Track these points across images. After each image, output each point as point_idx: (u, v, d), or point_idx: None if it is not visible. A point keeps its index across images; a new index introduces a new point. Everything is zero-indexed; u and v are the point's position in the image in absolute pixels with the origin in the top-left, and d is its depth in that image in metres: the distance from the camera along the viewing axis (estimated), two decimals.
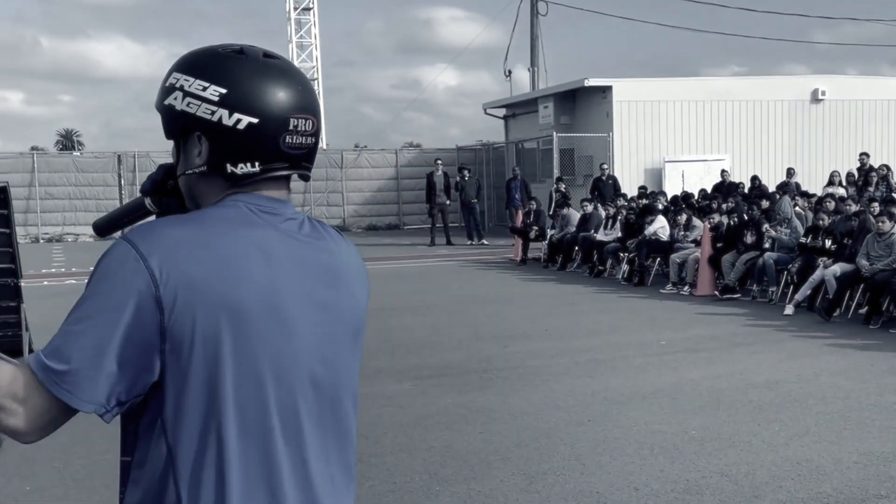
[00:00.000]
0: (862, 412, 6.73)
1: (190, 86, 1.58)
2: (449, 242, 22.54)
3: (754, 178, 18.98)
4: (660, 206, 15.25)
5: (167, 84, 1.60)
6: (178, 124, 1.61)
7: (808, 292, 11.14)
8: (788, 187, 17.14)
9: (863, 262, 10.43)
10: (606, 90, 24.21)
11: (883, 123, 25.34)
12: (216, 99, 1.56)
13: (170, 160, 1.73)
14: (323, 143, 50.83)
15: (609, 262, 15.48)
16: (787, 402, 7.04)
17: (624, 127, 24.06)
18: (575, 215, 17.21)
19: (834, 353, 8.90)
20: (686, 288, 13.22)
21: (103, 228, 1.89)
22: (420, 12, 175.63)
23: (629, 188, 20.84)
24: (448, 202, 22.96)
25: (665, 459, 5.73)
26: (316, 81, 53.78)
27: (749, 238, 12.54)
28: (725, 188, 19.40)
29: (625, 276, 14.69)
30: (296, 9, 50.49)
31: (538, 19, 32.87)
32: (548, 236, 17.83)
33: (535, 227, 18.07)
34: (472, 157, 30.71)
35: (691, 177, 23.41)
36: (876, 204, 10.87)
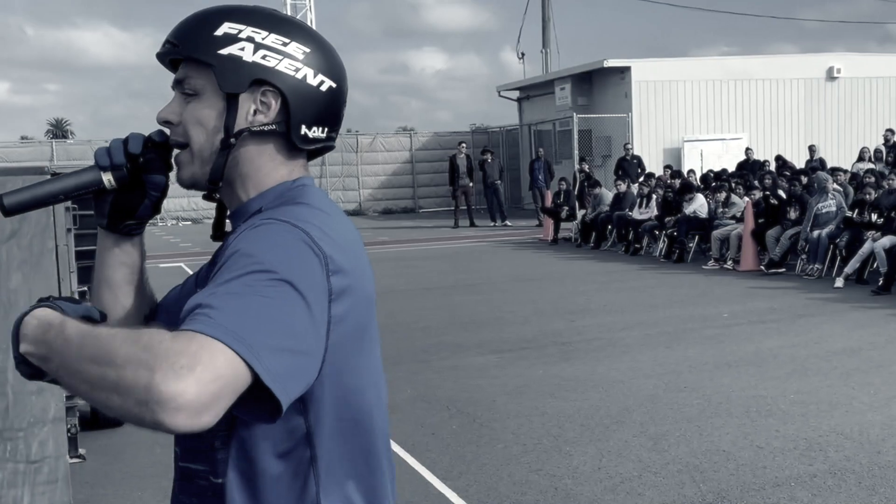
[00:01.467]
0: None
1: (264, 38, 1.43)
2: (472, 224, 22.76)
3: (779, 158, 19.20)
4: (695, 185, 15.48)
5: (223, 33, 1.42)
6: (244, 77, 1.42)
7: (857, 265, 11.40)
8: (822, 163, 17.42)
9: None
10: (625, 71, 24.41)
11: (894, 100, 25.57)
12: (301, 56, 1.45)
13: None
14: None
15: (645, 239, 15.71)
16: (872, 368, 7.30)
17: (643, 107, 24.28)
18: (608, 194, 17.43)
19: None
20: (730, 263, 13.46)
21: (15, 208, 1.44)
22: None
23: (650, 167, 21.09)
24: (471, 184, 23.15)
25: (776, 420, 5.98)
26: None
27: (793, 213, 12.78)
28: (750, 166, 19.66)
29: (662, 253, 14.93)
30: None
31: (550, 1, 32.97)
32: (578, 216, 18.07)
33: (567, 207, 18.29)
34: (486, 139, 30.88)
35: (709, 156, 23.66)
36: None
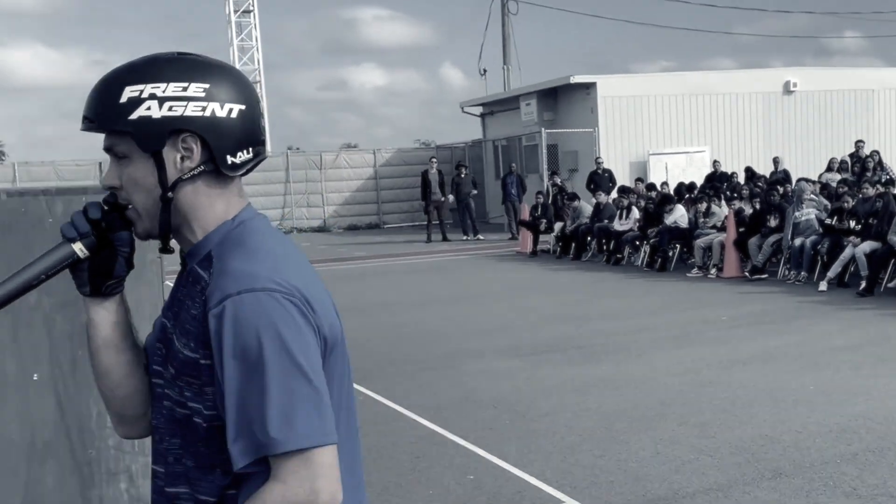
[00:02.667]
0: None
1: (164, 91, 1.54)
2: (445, 238, 23.23)
3: (748, 169, 20.07)
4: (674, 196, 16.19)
5: (126, 99, 1.53)
6: (159, 133, 1.55)
7: (839, 269, 12.14)
8: (786, 174, 18.31)
9: (895, 238, 11.45)
10: (590, 87, 25.18)
11: (853, 113, 26.74)
12: (203, 94, 1.55)
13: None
14: (268, 146, 51.12)
15: (627, 250, 16.36)
16: (877, 361, 7.95)
17: (609, 122, 25.06)
18: (587, 207, 18.07)
19: (888, 319, 9.87)
20: (713, 271, 14.15)
21: (7, 298, 1.59)
22: (343, 12, 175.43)
23: (619, 181, 21.85)
24: (443, 199, 23.65)
25: (805, 409, 6.56)
26: (259, 84, 54.04)
27: (773, 222, 13.52)
28: (718, 177, 20.49)
29: (644, 262, 15.59)
30: (236, 11, 50.55)
31: (509, 18, 33.76)
32: (555, 228, 18.68)
33: (544, 220, 18.89)
34: (450, 154, 31.43)
35: (674, 168, 24.49)
36: None
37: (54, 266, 1.59)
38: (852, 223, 12.53)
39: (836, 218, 12.81)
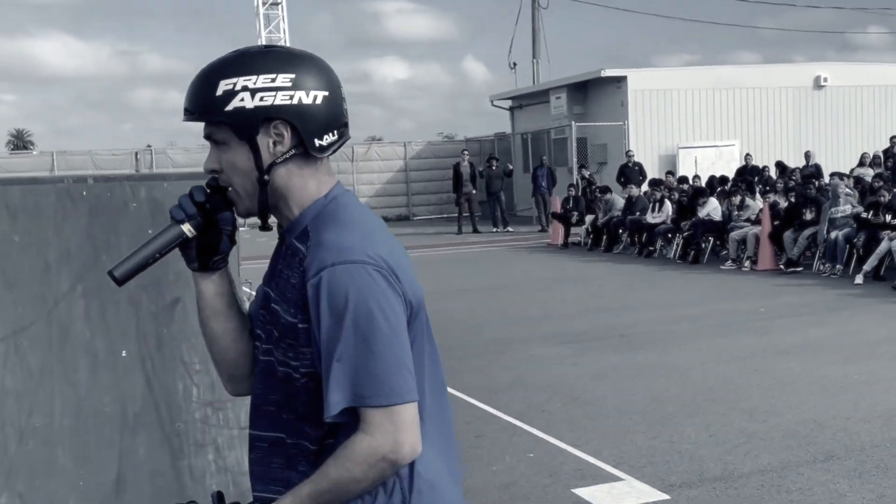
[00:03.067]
0: None
1: (255, 83, 1.69)
2: (475, 230, 23.44)
3: (779, 163, 20.15)
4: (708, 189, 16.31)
5: (222, 92, 1.69)
6: (253, 122, 1.70)
7: (875, 263, 12.25)
8: (818, 168, 18.40)
9: None
10: (621, 80, 25.28)
11: (882, 109, 26.70)
12: (290, 84, 1.70)
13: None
14: None
15: (659, 242, 16.51)
16: None
17: (638, 115, 25.17)
18: (619, 200, 18.22)
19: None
20: (747, 263, 14.29)
21: (126, 277, 1.80)
22: (367, 5, 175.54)
23: (648, 174, 21.99)
24: (474, 191, 23.83)
25: (851, 396, 6.73)
26: None
27: (808, 215, 13.64)
28: (749, 171, 20.57)
29: (677, 255, 15.73)
30: (264, 4, 50.86)
31: (539, 12, 33.85)
32: (586, 221, 18.85)
33: (576, 213, 19.05)
34: (479, 147, 31.61)
35: (703, 162, 24.55)
36: None
37: (166, 245, 1.77)
38: (888, 217, 12.63)
39: (872, 212, 12.91)
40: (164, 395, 4.95)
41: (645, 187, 18.93)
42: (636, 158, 23.05)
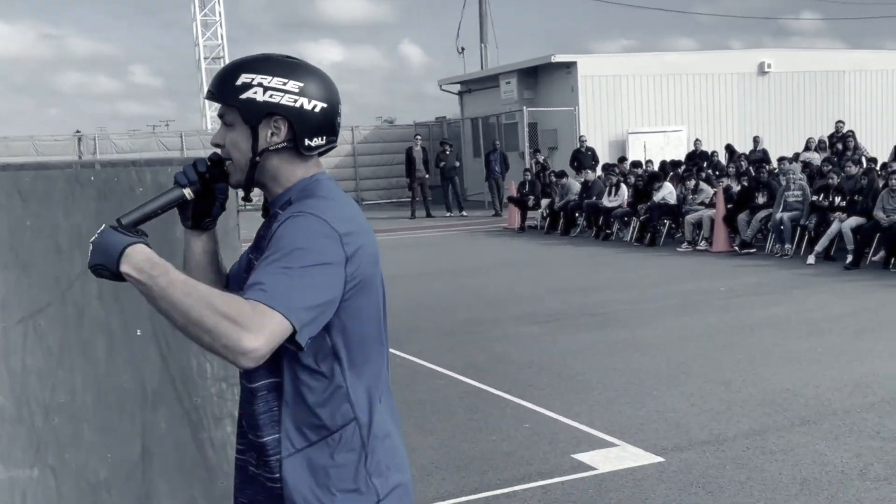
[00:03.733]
0: None
1: (269, 82, 2.03)
2: (429, 215, 23.72)
3: (728, 147, 20.81)
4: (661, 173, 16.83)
5: (240, 83, 2.04)
6: (259, 112, 2.04)
7: (826, 244, 12.85)
8: (765, 153, 19.05)
9: (880, 214, 12.17)
10: (571, 66, 25.75)
11: (825, 94, 27.61)
12: (297, 90, 2.04)
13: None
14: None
15: (616, 225, 17.00)
16: (876, 327, 8.62)
17: (588, 101, 25.67)
18: (575, 184, 18.66)
19: (878, 290, 10.58)
20: (703, 244, 14.82)
21: (131, 225, 2.04)
22: None
23: (600, 159, 22.51)
24: (427, 175, 24.10)
25: (818, 367, 7.20)
26: (222, 60, 53.91)
27: (761, 199, 14.21)
28: (698, 156, 21.19)
29: (634, 238, 16.23)
30: None
31: None
32: (542, 205, 19.27)
33: (532, 197, 19.46)
34: (427, 132, 31.85)
35: (652, 147, 25.15)
36: (894, 164, 12.66)
37: (168, 204, 2.10)
38: (838, 199, 13.23)
39: (822, 195, 13.51)
40: (180, 371, 5.17)
41: (599, 172, 19.40)
42: (588, 143, 23.54)
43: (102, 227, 2.02)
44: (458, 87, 31.97)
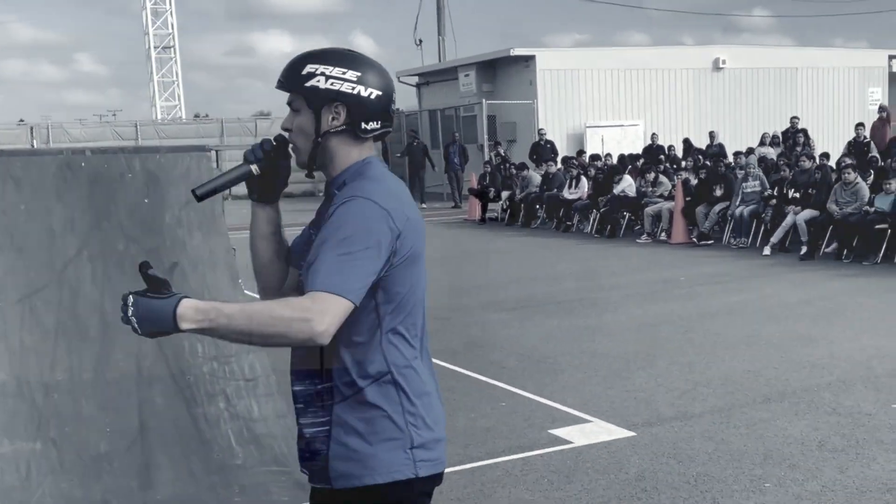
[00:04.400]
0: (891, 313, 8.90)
1: (331, 72, 2.29)
2: None
3: (686, 141, 21.36)
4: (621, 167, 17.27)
5: (306, 72, 2.30)
6: (322, 98, 2.29)
7: (781, 235, 13.36)
8: (721, 148, 19.62)
9: (833, 207, 12.69)
10: (529, 59, 26.15)
11: (778, 90, 28.34)
12: (355, 79, 2.30)
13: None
14: (182, 113, 50.70)
15: (576, 217, 17.40)
16: (830, 314, 9.08)
17: (547, 94, 26.09)
18: (536, 176, 19.04)
19: (831, 279, 11.08)
20: (662, 236, 15.29)
21: (205, 195, 2.35)
22: None
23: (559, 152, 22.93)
24: (388, 167, 24.31)
25: (777, 351, 7.61)
26: (172, 49, 53.51)
27: (718, 192, 14.70)
28: (655, 150, 21.69)
29: (595, 229, 16.65)
30: None
31: None
32: (502, 197, 19.63)
33: (492, 189, 19.80)
34: None
35: (609, 141, 25.65)
36: (847, 159, 13.21)
37: (237, 179, 2.38)
38: (792, 193, 13.75)
39: (777, 188, 14.03)
40: (173, 351, 5.41)
41: (559, 164, 19.81)
42: (547, 136, 23.95)
43: (133, 299, 2.18)
44: (416, 80, 32.24)
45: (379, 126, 2.37)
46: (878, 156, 16.86)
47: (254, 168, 2.37)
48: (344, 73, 2.31)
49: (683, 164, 17.04)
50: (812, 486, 4.76)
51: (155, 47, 51.95)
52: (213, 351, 5.53)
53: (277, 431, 5.35)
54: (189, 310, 2.14)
